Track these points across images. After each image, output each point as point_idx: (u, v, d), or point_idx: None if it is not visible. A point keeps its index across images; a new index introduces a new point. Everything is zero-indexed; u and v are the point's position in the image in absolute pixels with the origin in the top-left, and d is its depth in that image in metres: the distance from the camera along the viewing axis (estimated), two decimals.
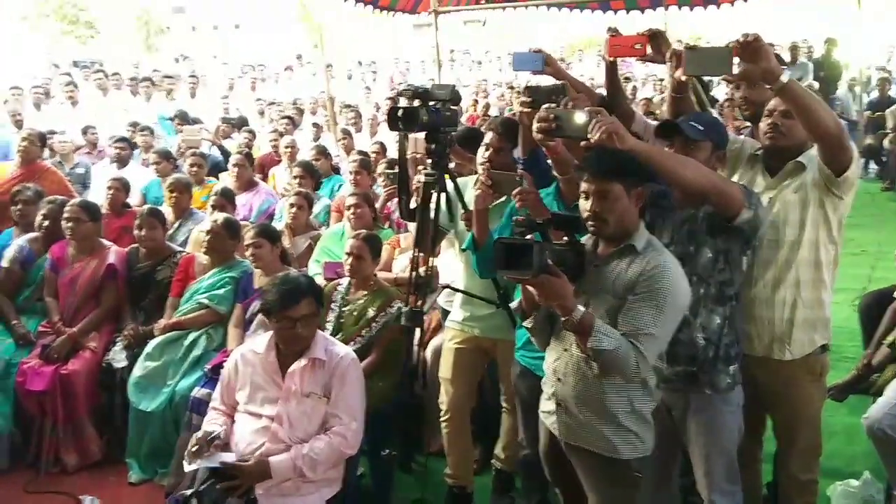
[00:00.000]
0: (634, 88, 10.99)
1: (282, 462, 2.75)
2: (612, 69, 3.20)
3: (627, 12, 10.12)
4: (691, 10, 10.02)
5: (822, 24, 12.94)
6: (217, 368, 3.59)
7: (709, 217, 2.43)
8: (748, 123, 3.38)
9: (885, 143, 9.08)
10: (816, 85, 10.37)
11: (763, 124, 2.67)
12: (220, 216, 4.19)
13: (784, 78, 2.26)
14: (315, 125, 8.55)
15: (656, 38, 2.91)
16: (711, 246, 2.44)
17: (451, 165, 3.57)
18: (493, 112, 10.33)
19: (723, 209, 2.35)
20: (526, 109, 2.72)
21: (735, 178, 2.78)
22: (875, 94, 10.38)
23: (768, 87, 2.37)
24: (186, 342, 3.88)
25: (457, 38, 18.65)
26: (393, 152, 6.25)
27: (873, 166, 9.77)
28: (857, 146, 8.99)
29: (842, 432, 3.68)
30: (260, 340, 2.99)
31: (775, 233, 2.61)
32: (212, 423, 2.94)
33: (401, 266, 4.28)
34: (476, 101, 10.98)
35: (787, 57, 11.80)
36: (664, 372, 2.37)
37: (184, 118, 8.40)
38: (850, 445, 3.61)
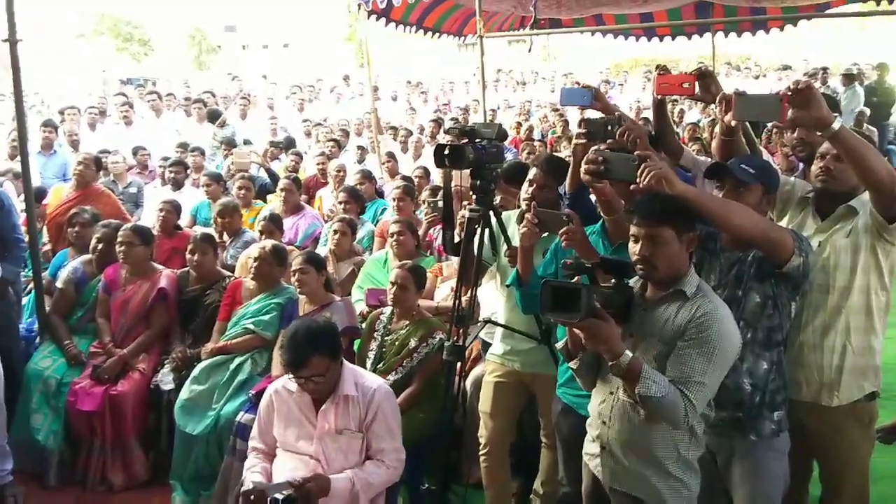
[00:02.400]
0: (682, 112, 10.90)
1: (340, 480, 2.77)
2: (660, 107, 3.20)
3: (673, 38, 10.09)
4: (739, 35, 9.94)
5: (874, 48, 12.69)
6: (261, 394, 3.65)
7: (758, 261, 2.41)
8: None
9: None
10: (867, 111, 10.16)
11: (815, 167, 2.65)
12: (269, 243, 4.27)
13: (836, 125, 2.24)
14: (360, 147, 8.66)
15: (705, 77, 2.90)
16: (760, 291, 2.41)
17: (496, 200, 3.60)
18: (536, 135, 10.35)
19: (772, 255, 2.34)
20: (581, 141, 2.73)
21: (785, 220, 2.76)
22: None
23: (819, 134, 2.35)
24: (232, 366, 3.95)
25: (502, 57, 18.75)
26: (436, 175, 6.30)
27: None
28: None
29: (890, 476, 3.56)
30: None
31: (825, 278, 2.58)
32: (254, 471, 2.93)
33: (442, 294, 4.31)
34: (520, 124, 11.01)
35: (839, 84, 11.60)
36: (710, 417, 2.35)
37: (230, 144, 8.58)
38: None
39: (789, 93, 2.23)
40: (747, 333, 2.40)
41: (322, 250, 4.88)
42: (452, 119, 10.90)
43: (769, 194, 2.53)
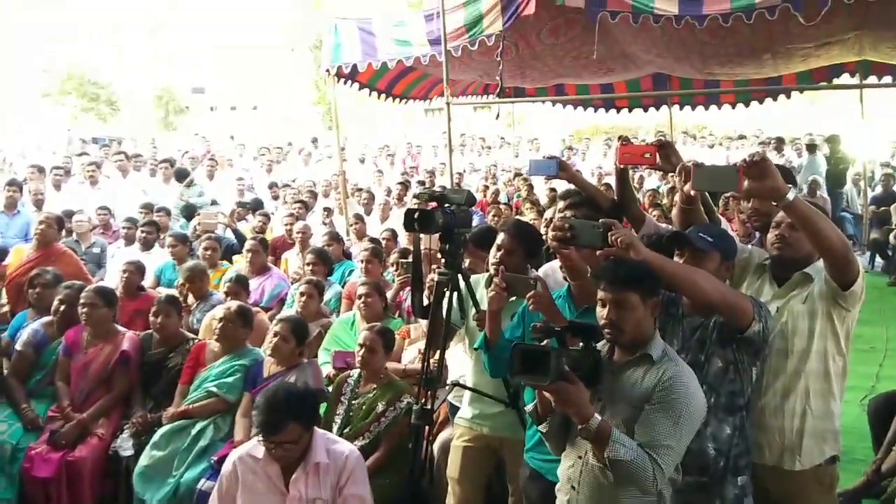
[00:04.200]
0: (641, 178, 11.21)
1: None
2: (623, 176, 3.32)
3: (631, 110, 10.51)
4: (693, 109, 10.38)
5: (823, 120, 13.27)
6: (223, 460, 3.57)
7: (719, 327, 2.48)
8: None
9: (891, 238, 9.17)
10: (821, 180, 10.58)
11: (770, 235, 2.75)
12: (234, 304, 4.25)
13: (790, 196, 2.34)
14: (326, 209, 8.71)
15: (665, 147, 3.02)
16: (722, 356, 2.47)
17: (465, 264, 3.65)
18: (502, 198, 10.52)
19: (733, 320, 2.41)
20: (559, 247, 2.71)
21: (743, 287, 2.83)
22: (879, 190, 10.54)
23: (774, 203, 2.45)
24: (193, 431, 3.87)
25: (467, 122, 19.16)
26: (403, 238, 6.35)
27: (879, 261, 9.81)
28: (862, 241, 9.09)
29: None
30: (258, 445, 2.90)
31: (784, 343, 2.64)
32: None
33: (410, 357, 4.31)
34: (486, 187, 11.18)
35: (794, 154, 12.08)
36: (678, 481, 2.37)
37: (191, 211, 8.58)
38: None
39: (745, 164, 2.33)
40: (710, 398, 2.44)
41: (289, 312, 4.86)
42: (420, 182, 11.05)
43: (727, 261, 2.62)
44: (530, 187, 10.11)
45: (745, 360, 2.46)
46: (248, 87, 31.44)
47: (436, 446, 3.78)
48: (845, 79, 8.99)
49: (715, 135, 15.93)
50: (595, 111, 11.18)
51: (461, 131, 16.39)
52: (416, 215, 2.92)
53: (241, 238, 7.04)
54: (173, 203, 8.86)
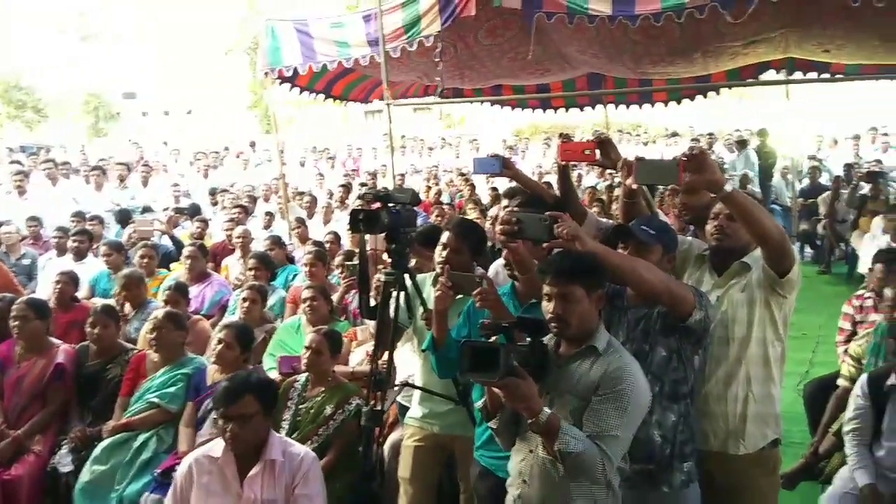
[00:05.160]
0: (580, 176, 11.39)
1: None
2: (564, 173, 3.37)
3: (567, 110, 10.68)
4: (627, 108, 10.62)
5: (751, 116, 13.75)
6: (167, 472, 3.50)
7: (662, 317, 2.53)
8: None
9: (819, 228, 9.55)
10: (751, 173, 10.94)
11: (709, 226, 2.82)
12: (161, 311, 4.14)
13: (728, 187, 2.41)
14: (268, 213, 8.57)
15: (604, 144, 3.08)
16: (665, 345, 2.53)
17: (412, 263, 3.65)
18: (445, 198, 10.55)
19: (675, 310, 2.46)
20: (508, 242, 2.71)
21: (684, 277, 2.90)
22: (807, 182, 10.96)
23: (713, 195, 2.52)
24: (136, 444, 3.77)
25: (408, 123, 19.13)
26: (346, 240, 6.30)
27: (808, 251, 10.22)
28: (791, 232, 9.39)
29: None
30: (216, 444, 2.90)
31: (725, 331, 2.71)
32: None
33: (357, 359, 4.27)
34: (429, 188, 11.19)
35: (724, 149, 12.47)
36: (626, 471, 2.41)
37: (125, 217, 8.34)
38: None
39: (685, 158, 2.39)
40: (655, 386, 2.49)
41: (231, 318, 4.76)
42: (361, 184, 10.98)
43: (669, 253, 2.68)
44: (472, 187, 10.17)
45: (687, 348, 2.52)
46: (182, 91, 30.72)
47: (386, 447, 3.76)
48: (772, 75, 9.31)
49: (649, 132, 16.33)
50: (532, 111, 11.31)
51: (402, 133, 16.37)
52: (361, 216, 2.91)
53: (178, 245, 6.87)
54: (105, 210, 8.60)
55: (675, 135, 14.75)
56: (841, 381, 3.96)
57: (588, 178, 11.70)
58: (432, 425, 3.27)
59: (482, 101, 10.80)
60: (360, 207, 2.94)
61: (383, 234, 3.04)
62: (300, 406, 3.67)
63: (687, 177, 2.37)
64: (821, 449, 3.88)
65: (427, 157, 15.24)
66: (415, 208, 3.08)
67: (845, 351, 4.12)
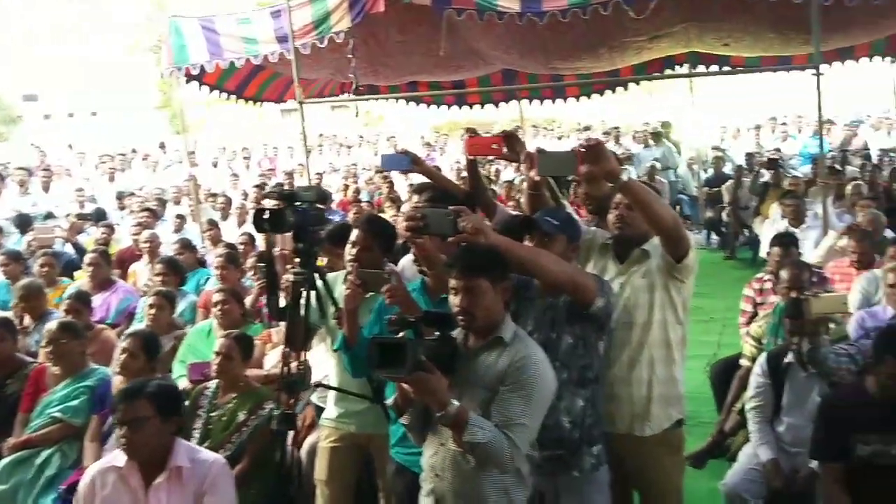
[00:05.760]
0: (497, 171, 11.51)
1: None
2: (472, 167, 3.39)
3: (482, 106, 10.77)
4: (541, 103, 10.80)
5: (659, 110, 14.23)
6: (72, 488, 3.33)
7: (568, 305, 2.58)
8: None
9: (723, 215, 9.94)
10: (658, 165, 11.30)
11: (611, 215, 2.89)
12: (54, 322, 3.97)
13: (624, 177, 2.48)
14: (179, 216, 8.31)
15: (511, 138, 3.12)
16: (571, 333, 2.59)
17: (324, 262, 3.60)
18: (364, 197, 10.48)
19: (579, 298, 2.52)
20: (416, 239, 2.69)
21: (589, 266, 2.97)
22: (711, 171, 11.39)
23: (610, 185, 2.59)
24: (38, 461, 3.61)
25: (326, 122, 18.90)
26: (261, 242, 6.16)
27: (714, 237, 10.63)
28: (698, 220, 9.74)
29: (704, 499, 3.84)
30: (119, 454, 2.77)
31: (628, 315, 2.79)
32: None
33: (273, 362, 4.18)
34: (346, 186, 11.09)
35: (632, 142, 12.83)
36: (535, 458, 2.44)
37: (26, 223, 7.93)
38: None
39: (582, 149, 2.44)
40: (563, 373, 2.54)
41: (138, 326, 4.59)
42: (278, 184, 10.79)
43: (573, 243, 2.73)
44: (391, 184, 10.13)
45: (591, 335, 2.59)
46: (86, 92, 29.40)
47: (303, 450, 3.70)
48: (677, 69, 9.64)
49: (563, 127, 16.66)
50: (449, 108, 11.36)
51: (319, 131, 16.16)
52: (265, 215, 2.84)
53: (81, 252, 6.57)
54: (5, 218, 8.17)
55: (587, 128, 15.10)
56: (743, 361, 4.14)
57: (506, 172, 11.84)
58: (348, 425, 3.24)
59: (398, 98, 10.77)
60: (264, 207, 2.86)
61: (291, 234, 2.98)
62: (211, 414, 3.57)
63: (585, 167, 2.43)
64: (726, 427, 4.04)
65: (345, 156, 15.10)
66: (322, 206, 3.03)
67: (747, 332, 4.30)
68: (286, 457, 3.13)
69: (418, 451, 2.53)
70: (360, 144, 15.75)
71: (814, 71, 5.76)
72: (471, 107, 11.10)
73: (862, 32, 7.61)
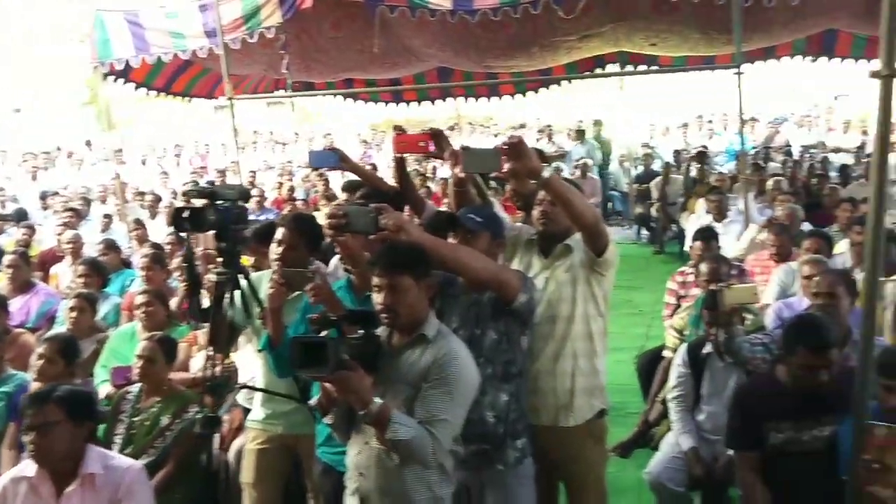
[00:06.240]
0: (434, 168, 11.52)
1: None
2: (400, 164, 3.40)
3: (419, 103, 10.78)
4: (477, 100, 10.86)
5: (595, 108, 14.48)
6: None
7: (492, 301, 2.61)
8: None
9: (653, 211, 10.20)
10: (590, 162, 11.52)
11: (535, 212, 2.94)
12: None
13: (546, 174, 2.52)
14: (105, 216, 8.06)
15: (438, 136, 3.13)
16: (495, 328, 2.61)
17: (250, 261, 3.54)
18: (300, 195, 10.35)
19: (502, 294, 2.55)
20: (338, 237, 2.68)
21: (516, 262, 3.01)
22: (641, 168, 11.66)
23: (533, 182, 2.63)
24: None
25: (260, 119, 18.57)
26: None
27: (644, 233, 10.89)
28: (629, 215, 9.96)
29: (631, 488, 3.96)
30: (30, 462, 2.68)
31: (551, 309, 2.84)
32: None
33: (199, 364, 4.09)
34: (281, 184, 10.93)
35: (566, 139, 13.03)
36: (460, 453, 2.46)
37: None
38: (639, 499, 3.88)
39: (505, 147, 2.47)
40: (487, 369, 2.57)
41: (59, 329, 4.43)
42: (209, 182, 10.56)
43: (497, 239, 2.76)
44: (326, 182, 10.03)
45: (515, 330, 2.62)
46: (8, 88, 28.17)
47: (231, 453, 3.65)
48: (607, 69, 9.83)
49: (499, 124, 16.79)
50: (386, 105, 11.32)
51: (254, 128, 15.88)
52: (185, 213, 2.78)
53: (0, 253, 6.30)
54: None
55: (522, 126, 15.25)
56: (666, 353, 4.25)
57: (443, 169, 11.85)
58: (275, 426, 3.20)
59: (335, 95, 10.68)
60: (183, 205, 2.80)
61: (212, 233, 2.92)
62: (134, 419, 3.48)
63: (508, 164, 2.46)
64: (651, 417, 4.15)
65: (281, 153, 14.88)
66: (245, 204, 2.97)
67: (670, 324, 4.42)
68: (212, 460, 3.08)
69: (345, 451, 2.52)
70: (295, 141, 15.54)
71: (735, 70, 5.96)
72: (407, 104, 11.09)
73: (782, 32, 7.90)
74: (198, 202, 2.87)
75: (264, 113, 20.45)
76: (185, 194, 2.94)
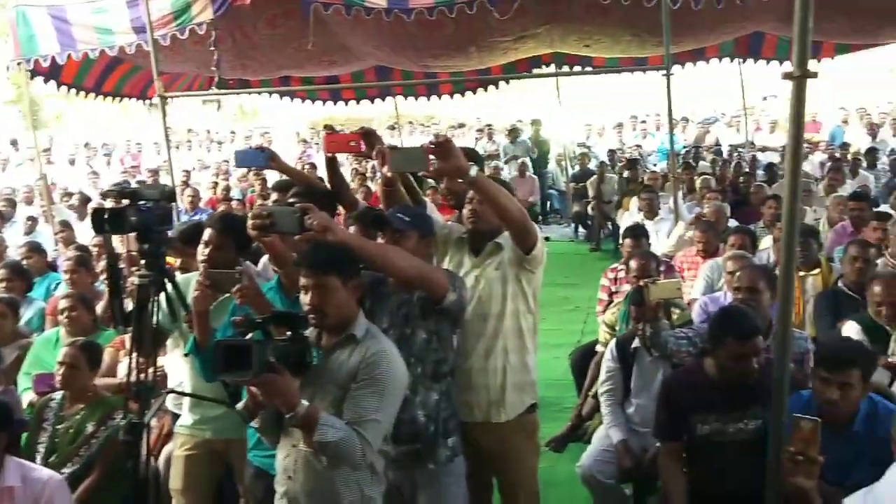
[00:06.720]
0: (374, 167, 11.46)
1: None
2: (331, 164, 3.37)
3: (358, 102, 10.72)
4: (416, 99, 10.87)
5: (533, 108, 14.65)
6: None
7: (422, 301, 2.61)
8: None
9: (589, 209, 10.38)
10: (528, 161, 11.66)
11: (465, 210, 2.95)
12: None
13: (472, 173, 2.53)
14: (30, 218, 7.77)
15: (369, 135, 3.11)
16: (425, 328, 2.62)
17: (177, 263, 3.46)
18: (235, 194, 10.17)
19: (430, 293, 2.56)
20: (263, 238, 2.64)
21: (446, 260, 3.03)
22: (577, 168, 11.85)
23: (460, 181, 2.64)
24: None
25: (196, 117, 18.18)
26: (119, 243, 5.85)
27: (581, 230, 11.07)
28: (566, 214, 10.13)
29: (565, 481, 4.01)
30: None
31: (482, 307, 2.86)
32: None
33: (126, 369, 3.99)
34: (216, 184, 10.72)
35: (504, 138, 13.15)
36: (391, 453, 2.46)
37: None
38: (573, 492, 3.93)
39: (431, 146, 2.48)
40: (417, 368, 2.58)
41: None
42: (139, 182, 10.27)
43: (425, 239, 2.76)
44: (264, 182, 9.87)
45: (445, 329, 2.64)
46: None
47: (160, 460, 3.56)
48: (544, 69, 9.97)
49: (439, 123, 16.84)
50: (324, 104, 11.22)
51: (188, 126, 15.54)
52: (105, 215, 2.69)
53: None
54: None
55: (461, 125, 15.34)
56: (599, 348, 4.33)
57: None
58: (204, 431, 3.15)
59: (271, 93, 10.53)
60: (103, 206, 2.71)
61: (135, 235, 2.84)
62: (58, 427, 3.38)
63: (434, 163, 2.46)
64: (583, 412, 4.23)
65: (217, 152, 14.59)
66: (169, 204, 2.89)
67: (603, 320, 4.50)
68: (138, 468, 2.99)
69: (274, 454, 2.49)
70: (232, 140, 15.26)
71: (665, 72, 6.10)
72: (346, 103, 11.02)
73: (710, 35, 8.14)
74: (120, 203, 2.79)
75: (199, 111, 20.03)
76: (104, 195, 2.84)
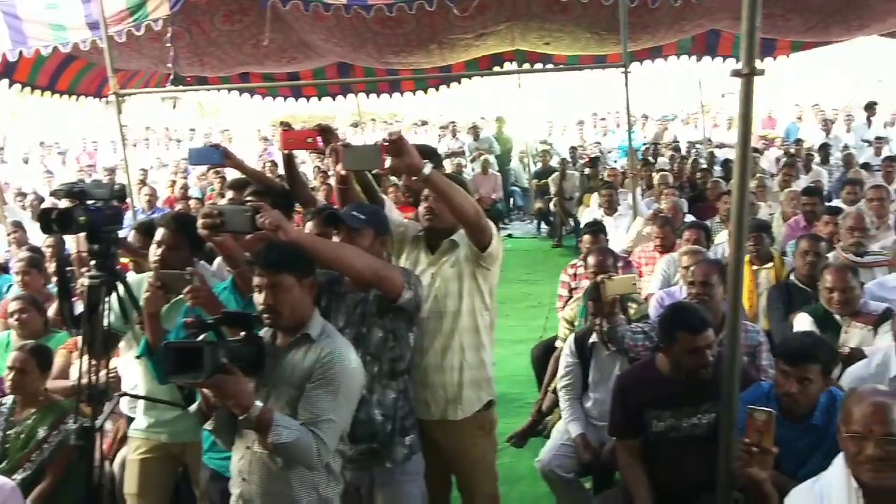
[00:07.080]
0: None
1: None
2: (289, 161, 3.34)
3: (320, 99, 10.63)
4: (378, 96, 10.83)
5: (497, 105, 14.69)
6: None
7: (378, 299, 2.61)
8: None
9: (551, 206, 10.45)
10: (493, 159, 11.70)
11: (421, 208, 2.95)
12: None
13: (426, 170, 2.52)
14: None
15: (326, 132, 3.09)
16: (381, 326, 2.62)
17: (129, 264, 3.40)
18: (194, 192, 10.02)
19: (385, 292, 2.55)
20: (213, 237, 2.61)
21: (403, 258, 3.02)
22: (539, 164, 11.92)
23: (414, 178, 2.63)
24: None
25: (154, 115, 17.86)
26: (73, 243, 5.73)
27: (544, 227, 11.14)
28: (529, 210, 10.21)
29: (526, 476, 4.04)
30: None
31: (438, 305, 2.86)
32: None
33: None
34: (174, 182, 10.54)
35: (466, 135, 13.18)
36: (347, 452, 2.45)
37: None
38: (534, 487, 3.97)
39: (385, 143, 2.47)
40: (374, 367, 2.57)
41: None
42: (95, 181, 10.07)
43: (381, 237, 2.75)
44: (223, 180, 9.73)
45: (401, 327, 2.63)
46: None
47: (116, 464, 3.50)
48: (506, 66, 9.99)
49: (403, 121, 16.78)
50: (285, 100, 11.10)
51: (146, 124, 15.26)
52: (53, 215, 2.63)
53: None
54: None
55: (424, 123, 15.32)
56: (558, 343, 4.36)
57: None
58: (159, 434, 3.10)
59: (230, 90, 10.40)
60: (51, 206, 2.65)
61: (84, 235, 2.78)
62: (8, 432, 3.30)
63: (389, 161, 2.45)
64: (544, 407, 4.26)
65: (177, 150, 14.35)
66: (120, 204, 2.84)
67: (563, 316, 4.54)
68: (92, 473, 2.93)
69: (230, 456, 2.46)
70: (191, 138, 15.02)
71: (623, 70, 6.17)
72: (308, 99, 10.92)
73: (668, 33, 8.24)
74: (68, 202, 2.74)
75: (159, 108, 19.69)
76: (52, 194, 2.78)
